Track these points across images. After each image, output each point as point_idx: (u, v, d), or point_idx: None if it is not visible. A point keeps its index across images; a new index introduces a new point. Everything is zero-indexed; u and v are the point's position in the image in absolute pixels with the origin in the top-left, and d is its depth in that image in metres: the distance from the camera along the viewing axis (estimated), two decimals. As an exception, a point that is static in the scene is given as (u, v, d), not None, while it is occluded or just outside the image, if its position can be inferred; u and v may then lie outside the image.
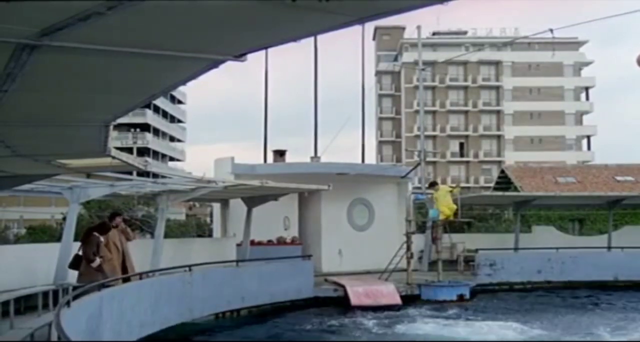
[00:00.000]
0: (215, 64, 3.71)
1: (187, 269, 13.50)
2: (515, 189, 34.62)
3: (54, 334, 6.21)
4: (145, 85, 4.17)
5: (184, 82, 4.07)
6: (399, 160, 68.41)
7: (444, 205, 17.44)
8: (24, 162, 8.21)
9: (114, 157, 8.06)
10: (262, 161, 22.71)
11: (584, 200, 25.89)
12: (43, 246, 17.22)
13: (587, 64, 71.21)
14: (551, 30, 14.42)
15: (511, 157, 64.85)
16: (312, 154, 23.55)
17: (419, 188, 22.41)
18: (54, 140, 6.55)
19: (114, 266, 11.69)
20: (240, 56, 3.53)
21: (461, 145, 69.89)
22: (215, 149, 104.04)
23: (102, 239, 11.32)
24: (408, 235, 18.25)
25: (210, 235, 27.99)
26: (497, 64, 69.97)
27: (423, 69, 23.75)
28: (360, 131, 25.84)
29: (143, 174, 20.90)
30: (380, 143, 73.91)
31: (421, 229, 22.80)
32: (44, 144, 6.83)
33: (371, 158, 60.46)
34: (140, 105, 4.97)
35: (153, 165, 12.06)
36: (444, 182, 49.47)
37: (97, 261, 10.98)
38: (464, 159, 69.33)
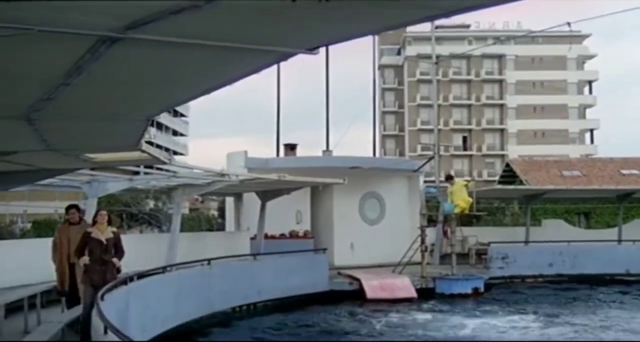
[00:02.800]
0: (284, 56, 3.68)
1: (206, 263, 13.54)
2: (520, 183, 34.65)
3: (98, 328, 6.22)
4: (208, 79, 4.13)
5: (247, 75, 4.02)
6: (402, 154, 68.38)
7: (461, 198, 17.47)
8: (53, 156, 8.14)
9: (143, 151, 8.03)
10: (270, 155, 22.79)
11: (594, 193, 25.91)
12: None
13: (591, 57, 71.08)
14: (569, 24, 14.40)
15: (514, 151, 64.87)
16: (318, 148, 23.63)
17: (433, 182, 22.41)
18: (92, 134, 6.50)
19: (62, 271, 9.91)
20: (312, 49, 3.50)
21: (464, 139, 69.79)
22: (217, 144, 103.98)
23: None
24: (422, 228, 18.26)
25: (218, 229, 28.02)
26: (500, 57, 69.79)
27: (436, 63, 23.78)
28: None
29: (154, 168, 20.87)
30: (384, 137, 73.79)
31: (432, 222, 22.81)
32: (81, 138, 6.77)
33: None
34: (193, 99, 4.94)
35: (174, 161, 12.05)
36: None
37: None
38: (467, 152, 69.24)
